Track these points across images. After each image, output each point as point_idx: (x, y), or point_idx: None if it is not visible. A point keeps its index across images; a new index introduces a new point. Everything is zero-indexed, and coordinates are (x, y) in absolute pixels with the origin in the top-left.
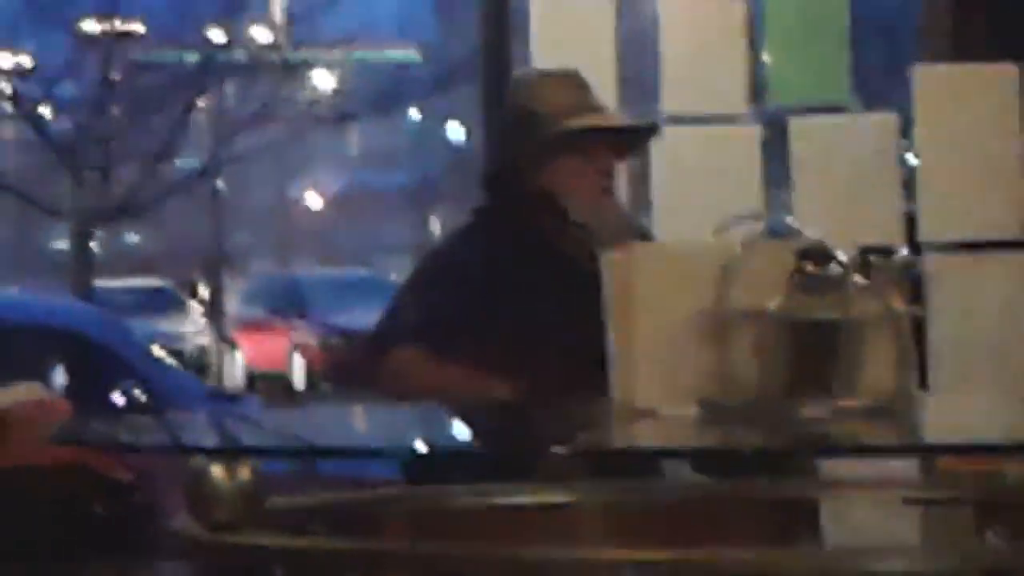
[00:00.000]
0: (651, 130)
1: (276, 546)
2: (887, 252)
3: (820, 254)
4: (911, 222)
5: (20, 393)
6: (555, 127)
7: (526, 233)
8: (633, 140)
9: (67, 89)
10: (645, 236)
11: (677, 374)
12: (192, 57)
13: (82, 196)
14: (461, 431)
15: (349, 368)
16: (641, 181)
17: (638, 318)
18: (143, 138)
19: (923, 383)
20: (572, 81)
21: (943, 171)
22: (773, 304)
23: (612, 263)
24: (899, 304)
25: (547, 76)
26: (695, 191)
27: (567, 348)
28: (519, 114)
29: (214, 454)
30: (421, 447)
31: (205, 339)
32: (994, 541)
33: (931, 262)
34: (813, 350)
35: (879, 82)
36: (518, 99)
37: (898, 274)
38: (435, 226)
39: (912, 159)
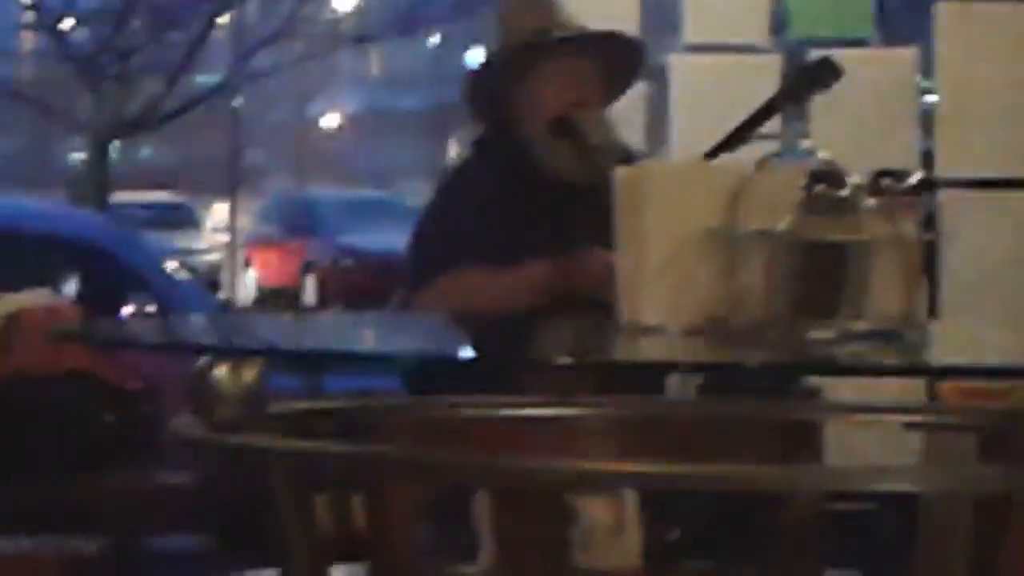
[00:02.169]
0: (612, 40)
1: (279, 447)
2: (900, 176)
3: (832, 176)
4: (927, 159)
5: (29, 299)
6: (517, 43)
7: (516, 161)
8: (611, 57)
9: (88, 1)
10: (627, 153)
11: (685, 293)
12: None
13: (100, 108)
14: (466, 342)
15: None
16: (660, 109)
17: (647, 236)
18: (163, 52)
19: (932, 311)
20: (543, 4)
21: (961, 108)
22: (783, 224)
23: (623, 181)
24: (909, 228)
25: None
26: (714, 120)
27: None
28: (495, 38)
29: (220, 354)
30: (424, 353)
31: (218, 255)
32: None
33: (945, 195)
34: (822, 272)
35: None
36: (495, 25)
37: (911, 198)
38: (452, 150)
39: (931, 96)
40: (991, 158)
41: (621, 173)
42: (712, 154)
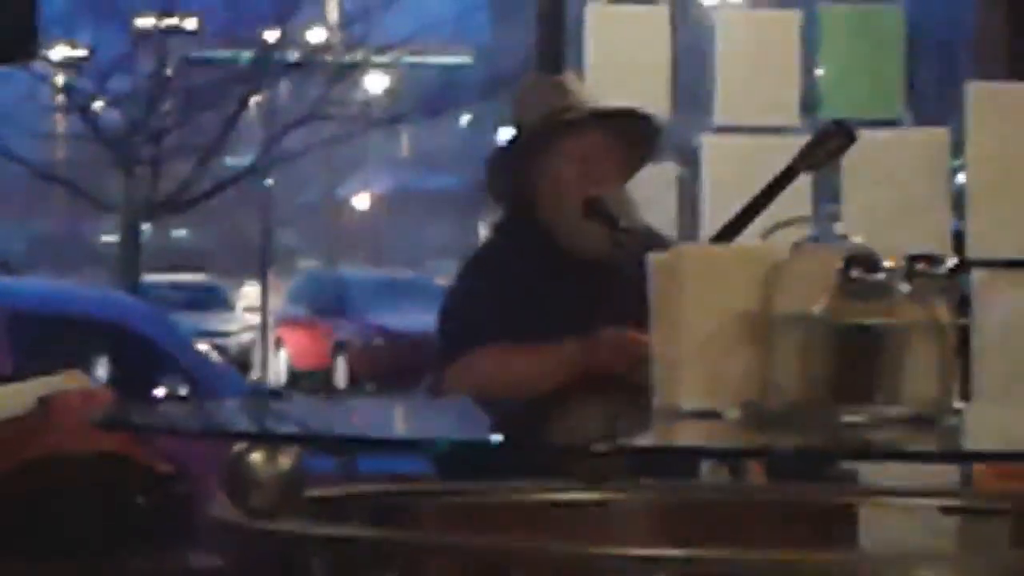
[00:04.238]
0: (628, 116)
1: (314, 534)
2: (935, 261)
3: (867, 260)
4: (959, 240)
5: (63, 381)
6: (535, 123)
7: (540, 241)
8: (627, 133)
9: (120, 83)
10: (653, 234)
11: (720, 376)
12: (246, 55)
13: (132, 190)
14: (499, 427)
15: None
16: (692, 191)
17: (684, 319)
18: (194, 134)
19: (965, 395)
20: (559, 84)
21: (992, 188)
22: (818, 308)
23: (659, 263)
24: (944, 313)
25: (535, 81)
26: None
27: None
28: (513, 119)
29: (256, 440)
30: (458, 439)
31: (250, 336)
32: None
33: (978, 277)
34: (856, 356)
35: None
36: (513, 107)
37: (944, 283)
38: (482, 230)
39: (963, 176)
40: (1021, 239)
41: (657, 256)
42: (735, 226)
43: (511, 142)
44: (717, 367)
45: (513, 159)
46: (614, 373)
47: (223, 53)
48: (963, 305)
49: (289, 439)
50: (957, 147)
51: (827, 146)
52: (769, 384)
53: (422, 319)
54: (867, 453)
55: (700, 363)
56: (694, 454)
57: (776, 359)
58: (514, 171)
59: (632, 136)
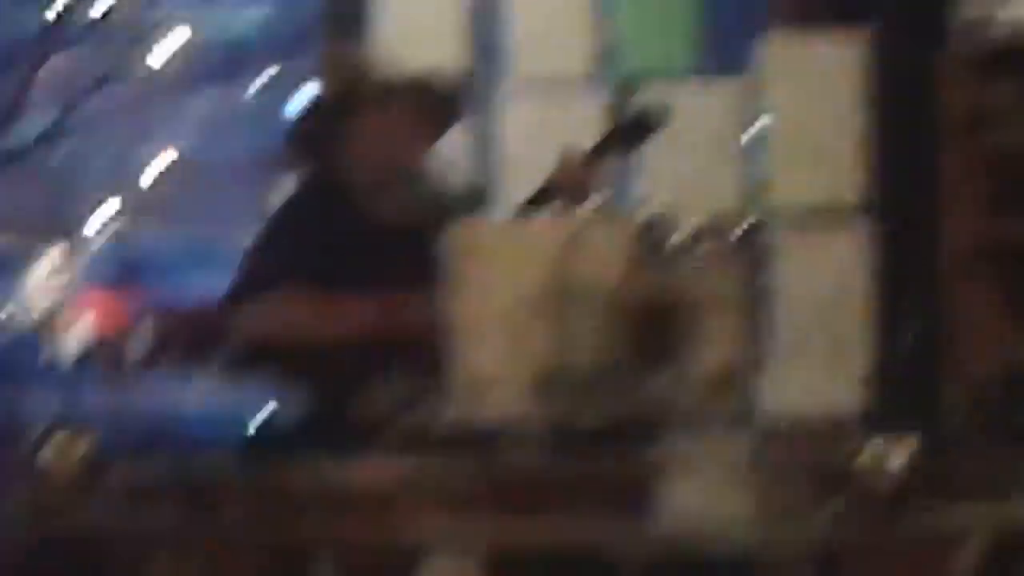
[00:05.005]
0: (429, 86)
1: (111, 524)
2: (729, 223)
3: (661, 228)
4: (757, 189)
5: None
6: (337, 92)
7: (341, 203)
8: (430, 101)
9: None
10: (455, 190)
11: (518, 348)
12: (43, 20)
13: None
14: (299, 400)
15: (206, 329)
16: (486, 143)
17: (480, 293)
18: None
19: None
20: (356, 56)
21: (790, 138)
22: (613, 279)
23: (457, 236)
24: (739, 276)
25: (333, 54)
26: (541, 156)
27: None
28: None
29: (47, 430)
30: (255, 426)
31: (45, 305)
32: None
33: (775, 233)
34: (654, 325)
35: (731, 48)
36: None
37: (740, 245)
38: (276, 197)
39: (760, 125)
40: (817, 188)
41: (454, 230)
42: (532, 205)
43: (313, 107)
44: (514, 339)
45: (315, 130)
46: (410, 337)
47: (20, 15)
48: (760, 256)
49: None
50: (754, 97)
51: (634, 134)
52: (567, 356)
53: (221, 285)
54: (663, 419)
55: (496, 335)
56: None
57: (573, 331)
58: (316, 140)
59: (433, 103)
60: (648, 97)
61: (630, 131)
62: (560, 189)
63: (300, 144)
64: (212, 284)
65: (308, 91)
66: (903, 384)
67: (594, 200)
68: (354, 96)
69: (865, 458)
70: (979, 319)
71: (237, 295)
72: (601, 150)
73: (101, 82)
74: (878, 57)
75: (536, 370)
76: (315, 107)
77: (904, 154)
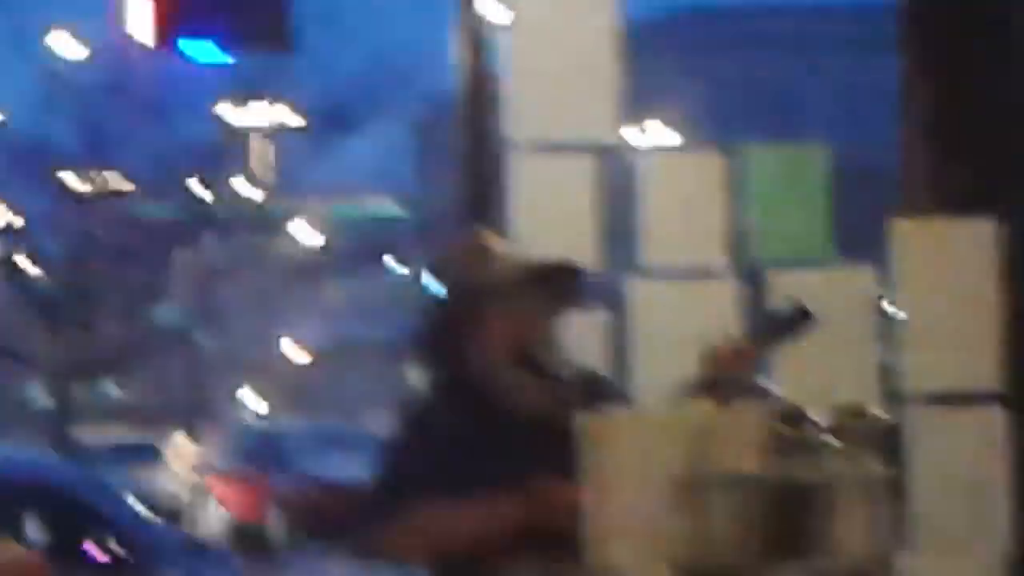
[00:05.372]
0: (554, 272)
1: None
2: (862, 413)
3: (795, 417)
4: (888, 375)
5: None
6: (464, 289)
7: (475, 399)
8: (554, 287)
9: (48, 244)
10: (588, 375)
11: (652, 536)
12: (174, 211)
13: (61, 348)
14: None
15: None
16: (619, 335)
17: (614, 482)
18: (123, 290)
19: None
20: (484, 248)
21: (923, 323)
22: (749, 467)
23: (589, 428)
24: (873, 465)
25: (461, 247)
26: (672, 344)
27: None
28: (447, 283)
29: None
30: None
31: (184, 491)
32: None
33: (910, 416)
34: (788, 512)
35: (860, 234)
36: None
37: (872, 434)
38: (415, 380)
39: (891, 311)
40: (952, 373)
41: (587, 420)
42: (688, 395)
43: (440, 308)
44: (648, 527)
45: (444, 324)
46: (551, 526)
47: (152, 209)
48: (896, 448)
49: None
50: (886, 283)
51: (789, 327)
52: (701, 543)
53: (356, 470)
54: None
55: (631, 523)
56: None
57: (708, 518)
58: (446, 335)
59: (557, 288)
60: (784, 286)
61: (787, 324)
62: (717, 380)
63: (428, 343)
64: (343, 467)
65: (435, 285)
66: None
67: (751, 391)
68: (480, 287)
69: None
70: None
71: (379, 501)
72: (760, 342)
73: (236, 270)
74: (1009, 243)
75: (673, 561)
76: (442, 305)
77: None
